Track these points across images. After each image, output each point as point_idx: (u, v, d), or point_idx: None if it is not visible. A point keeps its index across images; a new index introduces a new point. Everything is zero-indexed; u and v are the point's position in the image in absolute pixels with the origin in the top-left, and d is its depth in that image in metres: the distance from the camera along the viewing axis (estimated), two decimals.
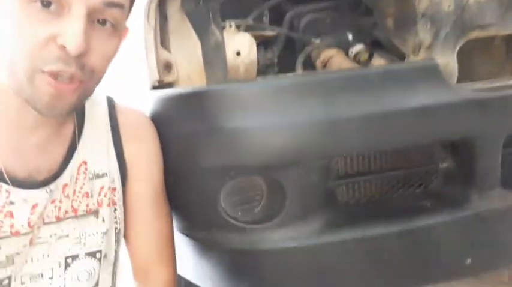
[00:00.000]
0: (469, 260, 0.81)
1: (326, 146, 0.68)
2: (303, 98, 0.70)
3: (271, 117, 0.68)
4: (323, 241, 0.72)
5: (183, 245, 0.84)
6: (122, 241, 0.77)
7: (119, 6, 0.56)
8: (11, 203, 0.61)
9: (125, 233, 0.77)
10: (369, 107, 0.69)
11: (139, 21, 0.83)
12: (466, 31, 0.86)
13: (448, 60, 0.85)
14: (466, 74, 0.91)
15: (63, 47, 0.52)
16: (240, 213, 0.76)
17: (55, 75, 0.53)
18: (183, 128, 0.75)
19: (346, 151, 0.70)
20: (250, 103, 0.70)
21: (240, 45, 0.93)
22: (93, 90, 0.61)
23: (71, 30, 0.51)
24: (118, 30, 0.58)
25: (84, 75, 0.55)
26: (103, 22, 0.55)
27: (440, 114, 0.70)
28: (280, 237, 0.73)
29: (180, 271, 0.85)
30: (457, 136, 0.73)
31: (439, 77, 0.72)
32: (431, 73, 0.73)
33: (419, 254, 0.79)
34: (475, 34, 0.88)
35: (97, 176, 0.70)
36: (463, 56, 0.89)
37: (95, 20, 0.54)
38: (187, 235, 0.84)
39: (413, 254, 0.78)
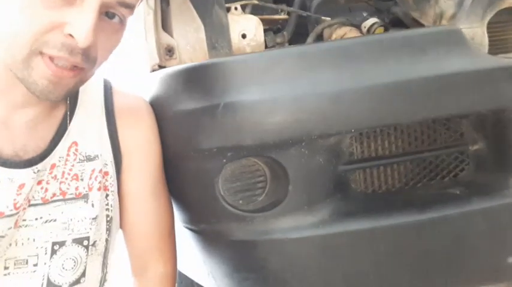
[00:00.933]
0: (511, 259, 0.69)
1: (331, 120, 0.61)
2: (307, 68, 0.63)
3: (268, 90, 0.62)
4: (331, 232, 0.64)
5: (183, 239, 0.78)
6: (118, 233, 0.73)
7: (130, 7, 0.56)
8: None
9: (121, 224, 0.72)
10: (379, 76, 0.61)
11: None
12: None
13: (474, 32, 0.76)
14: (500, 48, 0.81)
15: (70, 37, 0.51)
16: (240, 201, 0.69)
17: (54, 60, 0.52)
18: (179, 107, 0.70)
19: (354, 126, 0.61)
20: (245, 76, 0.64)
21: (245, 28, 0.88)
22: (92, 76, 0.61)
23: (82, 22, 0.51)
24: (123, 24, 0.58)
25: (87, 64, 0.55)
26: (112, 16, 0.55)
27: (462, 82, 0.61)
28: (283, 227, 0.66)
29: (180, 268, 0.79)
30: (485, 108, 0.63)
31: (461, 43, 0.63)
32: (452, 38, 0.64)
33: (447, 251, 0.68)
34: (509, 3, 0.78)
35: (88, 158, 0.66)
36: (497, 29, 0.80)
37: (103, 12, 0.54)
38: (187, 228, 0.78)
39: (440, 251, 0.68)
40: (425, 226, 0.63)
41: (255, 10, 0.96)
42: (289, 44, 0.98)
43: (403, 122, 0.62)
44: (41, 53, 0.52)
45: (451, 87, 0.62)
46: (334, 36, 0.90)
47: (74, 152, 0.65)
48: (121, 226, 0.73)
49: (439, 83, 0.62)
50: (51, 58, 0.52)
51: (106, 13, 0.54)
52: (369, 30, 0.85)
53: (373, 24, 0.85)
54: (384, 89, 0.61)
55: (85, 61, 0.54)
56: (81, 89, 0.67)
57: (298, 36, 1.02)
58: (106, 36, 0.55)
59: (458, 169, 0.74)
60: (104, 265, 0.69)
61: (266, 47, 0.93)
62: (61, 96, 0.56)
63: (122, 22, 0.57)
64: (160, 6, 0.85)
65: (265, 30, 0.93)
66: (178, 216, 0.77)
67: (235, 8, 0.91)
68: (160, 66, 0.84)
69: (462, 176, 0.74)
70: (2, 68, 0.56)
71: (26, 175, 0.60)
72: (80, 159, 0.65)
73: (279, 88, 0.62)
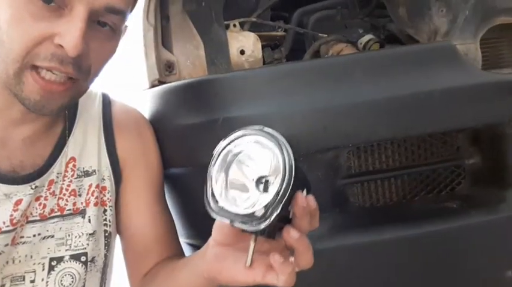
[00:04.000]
0: (510, 273, 0.69)
1: (328, 135, 0.61)
2: (304, 84, 0.64)
3: (266, 105, 0.63)
4: (329, 246, 0.64)
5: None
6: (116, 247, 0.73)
7: (120, 13, 0.55)
8: None
9: (120, 236, 0.72)
10: (375, 91, 0.62)
11: (137, 20, 0.82)
12: (489, 16, 0.79)
13: (468, 48, 0.77)
14: (493, 64, 0.82)
15: (60, 47, 0.50)
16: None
17: (45, 71, 0.51)
18: (178, 122, 0.71)
19: (351, 140, 0.62)
20: (244, 91, 0.65)
21: (244, 44, 0.90)
22: (87, 89, 0.60)
23: (70, 31, 0.50)
24: (116, 33, 0.57)
25: (80, 75, 0.54)
26: (103, 24, 0.54)
27: (456, 98, 0.62)
28: None
29: None
30: (479, 122, 0.64)
31: (455, 58, 0.64)
32: (446, 54, 0.65)
33: (445, 265, 0.68)
34: (501, 20, 0.80)
35: (86, 173, 0.66)
36: (490, 45, 0.81)
37: (95, 20, 0.53)
38: (186, 243, 0.78)
39: (438, 264, 0.68)
40: (423, 240, 0.63)
41: (253, 27, 0.97)
42: (287, 60, 1.00)
43: (399, 136, 0.63)
44: (32, 67, 0.51)
45: (445, 103, 0.63)
46: (331, 53, 0.92)
47: (71, 168, 0.65)
48: (120, 239, 0.72)
49: (433, 98, 0.63)
50: (39, 72, 0.51)
51: (98, 22, 0.53)
52: (365, 47, 0.87)
53: (369, 40, 0.87)
54: (380, 105, 0.62)
55: (77, 71, 0.53)
56: (80, 103, 0.68)
57: (296, 52, 1.04)
58: (98, 45, 0.54)
59: (455, 183, 0.75)
60: (103, 281, 0.68)
61: (264, 62, 0.94)
62: (56, 110, 0.55)
63: (114, 31, 0.56)
64: (161, 23, 0.87)
65: (263, 47, 0.94)
66: (178, 231, 0.77)
67: (234, 25, 0.92)
68: (160, 82, 0.85)
69: (459, 190, 0.75)
70: (0, 85, 0.56)
71: (23, 191, 0.60)
72: (77, 174, 0.65)
73: (276, 103, 0.63)
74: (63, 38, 0.50)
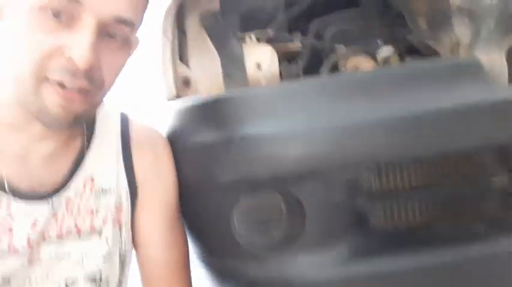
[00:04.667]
0: None
1: (348, 154, 0.60)
2: (323, 102, 0.62)
3: (284, 123, 0.61)
4: (349, 272, 0.62)
5: (199, 274, 0.77)
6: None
7: (130, 24, 0.55)
8: (11, 216, 0.58)
9: (136, 255, 0.72)
10: (396, 108, 0.60)
11: (154, 35, 0.82)
12: None
13: (493, 61, 0.74)
14: None
15: (70, 59, 0.51)
16: (255, 236, 0.67)
17: (61, 84, 0.52)
18: (195, 140, 0.70)
19: (372, 159, 0.60)
20: (261, 109, 0.63)
21: (260, 58, 0.89)
22: (101, 101, 0.60)
23: (79, 43, 0.50)
24: (128, 43, 0.57)
25: (93, 87, 0.54)
26: (113, 35, 0.54)
27: (481, 114, 0.59)
28: (300, 265, 0.64)
29: None
30: (506, 140, 0.61)
31: (479, 73, 0.62)
32: (470, 69, 0.63)
33: None
34: None
35: (104, 192, 0.66)
36: None
37: (104, 32, 0.53)
38: (201, 262, 0.77)
39: None
40: (449, 267, 0.60)
41: (270, 39, 0.97)
42: (304, 73, 0.99)
43: (421, 155, 0.61)
44: (47, 80, 0.51)
45: (470, 120, 0.61)
46: (349, 65, 0.90)
47: (89, 186, 0.65)
48: (136, 256, 0.72)
49: (457, 115, 0.61)
50: (60, 84, 0.51)
51: (108, 34, 0.53)
52: (384, 60, 0.85)
53: (389, 53, 0.85)
54: (401, 122, 0.60)
55: (90, 83, 0.53)
56: (97, 119, 0.68)
57: (313, 65, 1.03)
58: (110, 56, 0.54)
59: (482, 204, 0.71)
60: None
61: (281, 76, 0.93)
62: (71, 122, 0.55)
63: (125, 41, 0.56)
64: (178, 37, 0.87)
65: (280, 59, 0.93)
66: (192, 249, 0.76)
67: (250, 38, 0.92)
68: (177, 97, 0.85)
69: (486, 212, 0.71)
70: (19, 107, 0.56)
71: (41, 209, 0.60)
72: (95, 193, 0.65)
73: (294, 121, 0.62)
74: (72, 51, 0.50)
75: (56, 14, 0.50)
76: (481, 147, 0.62)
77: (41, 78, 0.51)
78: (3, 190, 0.58)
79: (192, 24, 0.86)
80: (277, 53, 0.91)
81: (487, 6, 0.74)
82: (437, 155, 0.62)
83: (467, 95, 0.61)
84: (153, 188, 0.70)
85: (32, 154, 0.60)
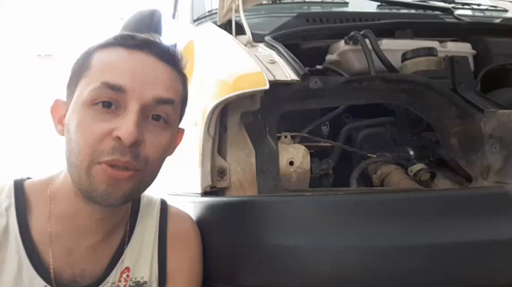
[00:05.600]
0: None
1: (378, 277, 0.60)
2: (356, 219, 0.64)
3: (316, 237, 0.63)
4: None
5: None
6: None
7: (170, 102, 0.61)
8: None
9: None
10: (427, 236, 0.61)
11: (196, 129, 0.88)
12: None
13: None
14: None
15: (118, 139, 0.56)
16: None
17: (111, 164, 0.56)
18: (226, 238, 0.72)
19: (402, 284, 0.61)
20: (295, 217, 0.66)
21: (293, 156, 0.93)
22: (149, 183, 0.63)
23: (125, 123, 0.56)
24: (170, 124, 0.63)
25: (139, 164, 0.58)
26: (157, 118, 0.61)
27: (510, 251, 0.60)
28: None
29: None
30: None
31: (508, 207, 0.63)
32: (501, 202, 0.64)
33: None
34: None
35: (137, 284, 0.68)
36: None
37: (149, 115, 0.60)
38: None
39: None
40: None
41: (304, 138, 1.01)
42: (333, 172, 1.02)
43: (451, 286, 0.61)
44: (99, 163, 0.56)
45: (499, 255, 0.61)
46: (379, 173, 0.93)
47: (125, 278, 0.67)
48: None
49: (488, 249, 0.61)
50: (109, 164, 0.56)
51: (152, 117, 0.60)
52: (415, 175, 0.87)
53: (420, 170, 0.87)
54: (431, 250, 0.61)
55: (135, 159, 0.57)
56: (141, 211, 0.72)
57: (344, 162, 1.06)
58: (153, 136, 0.60)
59: None
60: None
61: (311, 172, 0.96)
62: (120, 199, 0.58)
63: (167, 122, 0.62)
64: (219, 132, 0.93)
65: (311, 155, 0.97)
66: None
67: (285, 137, 0.97)
68: (212, 187, 0.88)
69: None
70: (72, 192, 0.60)
71: None
72: (129, 285, 0.67)
73: (328, 237, 0.64)
74: (119, 130, 0.56)
75: (107, 105, 0.57)
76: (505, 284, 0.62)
77: (93, 161, 0.56)
78: (50, 283, 0.60)
79: (233, 121, 0.92)
80: (308, 148, 0.95)
81: None
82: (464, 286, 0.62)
83: (498, 228, 0.62)
84: (181, 277, 0.72)
85: (78, 245, 0.63)
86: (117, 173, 0.57)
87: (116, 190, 0.57)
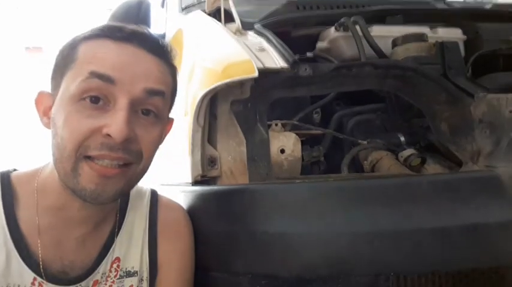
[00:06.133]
0: None
1: (367, 261, 0.61)
2: (344, 205, 0.64)
3: (306, 223, 0.63)
4: None
5: None
6: None
7: (160, 94, 0.60)
8: None
9: None
10: (418, 221, 0.61)
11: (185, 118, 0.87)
12: None
13: None
14: None
15: (108, 136, 0.55)
16: None
17: (99, 158, 0.55)
18: (217, 226, 0.72)
19: (390, 269, 0.61)
20: (286, 206, 0.66)
21: (284, 144, 0.93)
22: (140, 177, 0.62)
23: (115, 120, 0.54)
24: (161, 118, 0.61)
25: (131, 158, 0.57)
26: (147, 113, 0.59)
27: (500, 233, 0.60)
28: None
29: None
30: None
31: (499, 189, 0.64)
32: (490, 185, 0.65)
33: None
34: None
35: (128, 274, 0.68)
36: None
37: (138, 110, 0.58)
38: None
39: None
40: None
41: (294, 126, 1.01)
42: (325, 159, 1.02)
43: (440, 269, 0.61)
44: (85, 158, 0.55)
45: (488, 237, 0.62)
46: (370, 159, 0.93)
47: (115, 268, 0.67)
48: None
49: (477, 232, 0.62)
50: (93, 160, 0.55)
51: (142, 112, 0.58)
52: (406, 160, 0.88)
53: (410, 155, 0.87)
54: (421, 234, 0.62)
55: (127, 155, 0.56)
56: (130, 201, 0.71)
57: (335, 149, 1.06)
58: (145, 131, 0.58)
59: None
60: None
61: (303, 160, 0.96)
62: (112, 196, 0.57)
63: (157, 116, 0.60)
64: (208, 121, 0.92)
65: (302, 143, 0.97)
66: None
67: (276, 125, 0.96)
68: (202, 176, 0.88)
69: None
70: (60, 185, 0.59)
71: None
72: (120, 275, 0.67)
73: (318, 223, 0.64)
74: (109, 128, 0.54)
75: (95, 101, 0.55)
76: (501, 265, 0.62)
77: (79, 157, 0.55)
78: (39, 274, 0.60)
79: (223, 110, 0.91)
80: (299, 136, 0.95)
81: (507, 119, 0.77)
82: (454, 268, 0.62)
83: (487, 212, 0.63)
84: (173, 267, 0.71)
85: (67, 237, 0.63)
86: (105, 170, 0.55)
87: (106, 189, 0.56)
